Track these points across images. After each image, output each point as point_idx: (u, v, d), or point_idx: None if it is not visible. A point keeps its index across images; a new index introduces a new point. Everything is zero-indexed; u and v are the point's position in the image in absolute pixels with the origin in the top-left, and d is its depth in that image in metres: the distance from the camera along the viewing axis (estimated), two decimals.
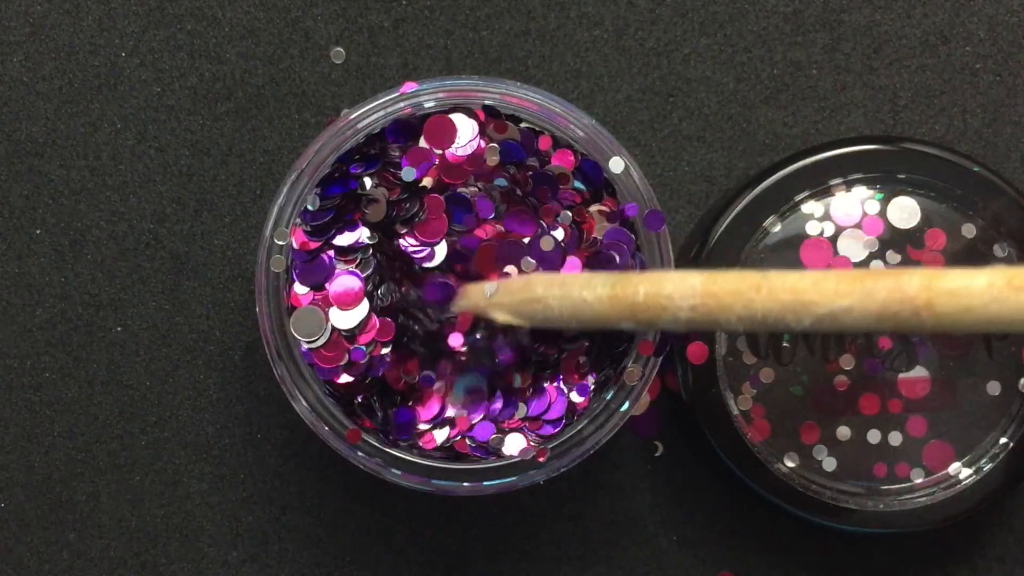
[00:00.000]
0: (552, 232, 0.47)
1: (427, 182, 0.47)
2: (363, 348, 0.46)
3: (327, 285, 0.47)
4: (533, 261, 0.46)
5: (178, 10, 0.52)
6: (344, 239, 0.47)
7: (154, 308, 0.53)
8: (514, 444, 0.47)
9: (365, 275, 0.47)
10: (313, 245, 0.46)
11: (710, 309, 0.40)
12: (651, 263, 0.47)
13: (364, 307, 0.46)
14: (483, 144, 0.47)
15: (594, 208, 0.47)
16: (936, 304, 0.37)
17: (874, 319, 0.38)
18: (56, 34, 0.52)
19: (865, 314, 0.38)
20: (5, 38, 0.52)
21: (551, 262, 0.46)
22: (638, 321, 0.42)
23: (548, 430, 0.47)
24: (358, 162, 0.47)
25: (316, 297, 0.47)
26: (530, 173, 0.47)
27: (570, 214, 0.47)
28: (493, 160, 0.47)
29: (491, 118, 0.47)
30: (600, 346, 0.47)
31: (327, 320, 0.46)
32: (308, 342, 0.46)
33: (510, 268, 0.47)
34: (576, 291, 0.43)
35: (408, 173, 0.46)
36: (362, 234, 0.47)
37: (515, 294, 0.44)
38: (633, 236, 0.47)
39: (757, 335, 0.48)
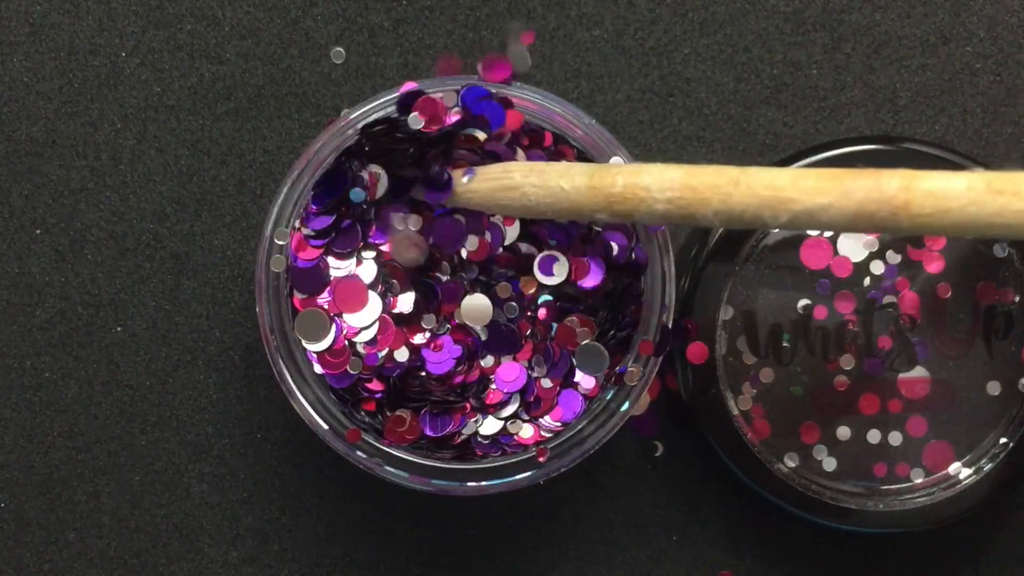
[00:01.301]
0: None
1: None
2: (379, 355, 0.46)
3: (327, 292, 0.46)
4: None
5: (178, 10, 0.52)
6: (342, 244, 0.46)
7: (154, 308, 0.53)
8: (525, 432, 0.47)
9: (369, 281, 0.46)
10: (314, 253, 0.46)
11: (688, 202, 0.40)
12: (651, 263, 0.47)
13: (376, 306, 0.46)
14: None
15: None
16: (913, 205, 0.37)
17: (851, 217, 0.38)
18: (56, 34, 0.52)
19: (842, 212, 0.38)
20: (5, 38, 0.52)
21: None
22: (614, 212, 0.41)
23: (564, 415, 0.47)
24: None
25: (321, 300, 0.46)
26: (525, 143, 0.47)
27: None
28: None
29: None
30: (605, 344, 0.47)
31: (331, 322, 0.46)
32: (313, 345, 0.46)
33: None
34: (554, 180, 0.42)
35: (415, 120, 0.45)
36: (360, 236, 0.46)
37: (492, 180, 0.44)
38: (634, 234, 0.47)
39: (757, 334, 0.48)
